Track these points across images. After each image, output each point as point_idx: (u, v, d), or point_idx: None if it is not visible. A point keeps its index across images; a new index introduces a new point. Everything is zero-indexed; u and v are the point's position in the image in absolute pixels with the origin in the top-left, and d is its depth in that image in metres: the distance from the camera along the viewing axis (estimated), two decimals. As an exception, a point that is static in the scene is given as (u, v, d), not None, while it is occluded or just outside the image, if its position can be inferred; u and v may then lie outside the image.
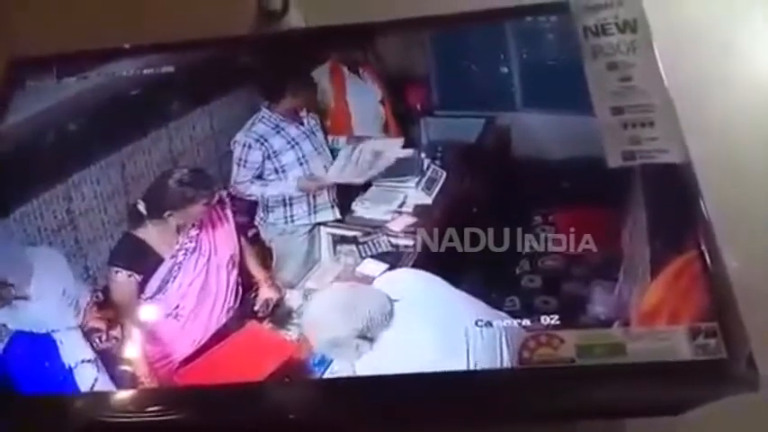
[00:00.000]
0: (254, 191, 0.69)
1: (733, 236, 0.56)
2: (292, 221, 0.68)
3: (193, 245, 0.64)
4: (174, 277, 0.63)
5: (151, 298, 0.62)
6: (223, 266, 0.64)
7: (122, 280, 0.62)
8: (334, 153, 0.71)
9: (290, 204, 0.69)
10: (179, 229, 0.64)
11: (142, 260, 0.63)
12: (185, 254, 0.64)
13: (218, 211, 0.66)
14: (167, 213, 0.64)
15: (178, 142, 0.70)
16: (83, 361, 0.58)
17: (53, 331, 0.60)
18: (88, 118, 0.71)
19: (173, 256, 0.63)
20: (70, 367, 0.58)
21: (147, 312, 0.61)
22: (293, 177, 0.70)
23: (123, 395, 0.56)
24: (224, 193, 0.67)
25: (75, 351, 0.59)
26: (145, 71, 0.73)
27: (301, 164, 0.70)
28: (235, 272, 0.64)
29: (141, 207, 0.64)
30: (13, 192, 0.66)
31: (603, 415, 0.60)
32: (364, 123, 0.73)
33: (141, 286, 0.62)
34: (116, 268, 0.62)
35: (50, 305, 0.61)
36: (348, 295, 0.58)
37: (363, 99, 0.74)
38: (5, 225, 0.65)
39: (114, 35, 0.79)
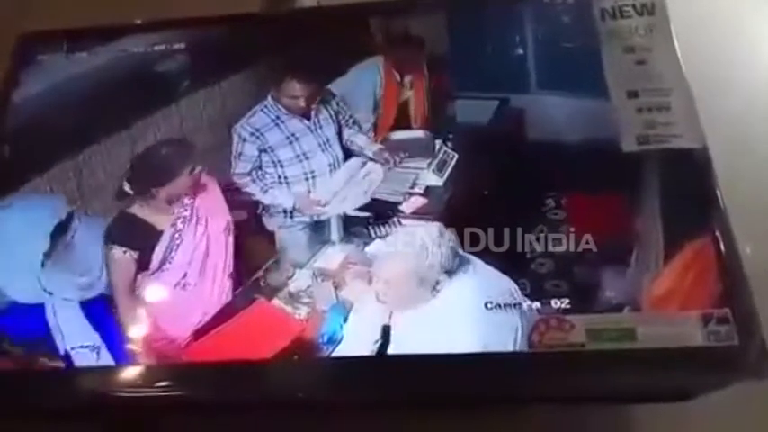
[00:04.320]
0: (253, 190, 0.67)
1: (747, 222, 0.56)
2: (291, 218, 0.66)
3: (189, 212, 0.64)
4: (178, 245, 0.63)
5: (159, 270, 0.62)
6: (221, 232, 0.63)
7: (118, 257, 0.61)
8: (346, 151, 0.70)
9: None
10: (170, 201, 0.64)
11: (138, 236, 0.62)
12: (183, 222, 0.63)
13: (205, 181, 0.65)
14: (154, 190, 0.64)
15: (189, 120, 0.70)
16: (88, 337, 0.58)
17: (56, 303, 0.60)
18: (99, 94, 0.70)
19: (172, 226, 0.63)
20: (76, 342, 0.58)
21: (156, 285, 0.61)
22: (291, 177, 0.68)
23: (131, 370, 0.56)
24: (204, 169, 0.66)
25: (80, 326, 0.59)
26: (156, 48, 0.72)
27: (300, 161, 0.69)
28: (231, 238, 0.63)
29: (127, 188, 0.64)
30: (23, 166, 0.66)
31: (612, 400, 0.60)
32: (357, 108, 0.71)
33: (139, 262, 0.61)
34: (110, 245, 0.62)
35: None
36: (431, 233, 0.58)
37: (362, 82, 0.72)
38: (15, 199, 0.65)
39: (123, 13, 0.79)
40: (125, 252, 0.62)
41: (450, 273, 0.57)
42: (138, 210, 0.64)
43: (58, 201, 0.65)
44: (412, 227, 0.61)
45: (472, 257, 0.57)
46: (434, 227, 0.59)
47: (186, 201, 0.64)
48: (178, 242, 0.63)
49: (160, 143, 0.67)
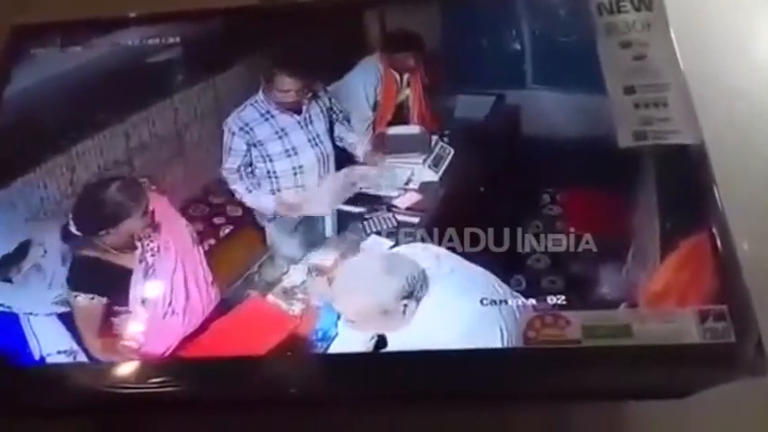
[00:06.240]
0: (238, 188, 0.67)
1: (744, 218, 0.56)
2: (280, 215, 0.66)
3: (154, 242, 0.61)
4: (155, 279, 0.60)
5: (141, 307, 0.59)
6: (190, 248, 0.62)
7: (84, 304, 0.59)
8: (336, 147, 0.70)
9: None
10: (134, 235, 0.61)
11: (105, 280, 0.59)
12: (153, 254, 0.61)
13: (156, 201, 0.63)
14: (102, 232, 0.60)
15: (183, 114, 0.69)
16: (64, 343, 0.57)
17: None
18: (92, 87, 0.70)
19: (141, 261, 0.60)
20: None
21: (141, 321, 0.59)
22: (280, 171, 0.68)
23: (126, 366, 0.55)
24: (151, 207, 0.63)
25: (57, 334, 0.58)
26: (150, 41, 0.72)
27: (289, 155, 0.68)
28: (200, 248, 0.62)
29: (73, 228, 0.60)
30: (16, 160, 0.65)
31: (608, 397, 0.60)
32: (355, 106, 0.71)
33: (110, 306, 0.59)
34: (75, 293, 0.59)
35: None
36: (381, 262, 0.57)
37: (361, 81, 0.72)
38: (8, 194, 0.64)
39: (122, 6, 0.78)
40: (92, 299, 0.59)
41: (410, 296, 0.54)
42: (100, 253, 0.60)
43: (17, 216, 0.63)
44: (365, 258, 0.59)
45: (456, 258, 0.56)
46: (385, 258, 0.57)
47: (150, 231, 0.61)
48: (153, 277, 0.60)
49: (112, 183, 0.63)
